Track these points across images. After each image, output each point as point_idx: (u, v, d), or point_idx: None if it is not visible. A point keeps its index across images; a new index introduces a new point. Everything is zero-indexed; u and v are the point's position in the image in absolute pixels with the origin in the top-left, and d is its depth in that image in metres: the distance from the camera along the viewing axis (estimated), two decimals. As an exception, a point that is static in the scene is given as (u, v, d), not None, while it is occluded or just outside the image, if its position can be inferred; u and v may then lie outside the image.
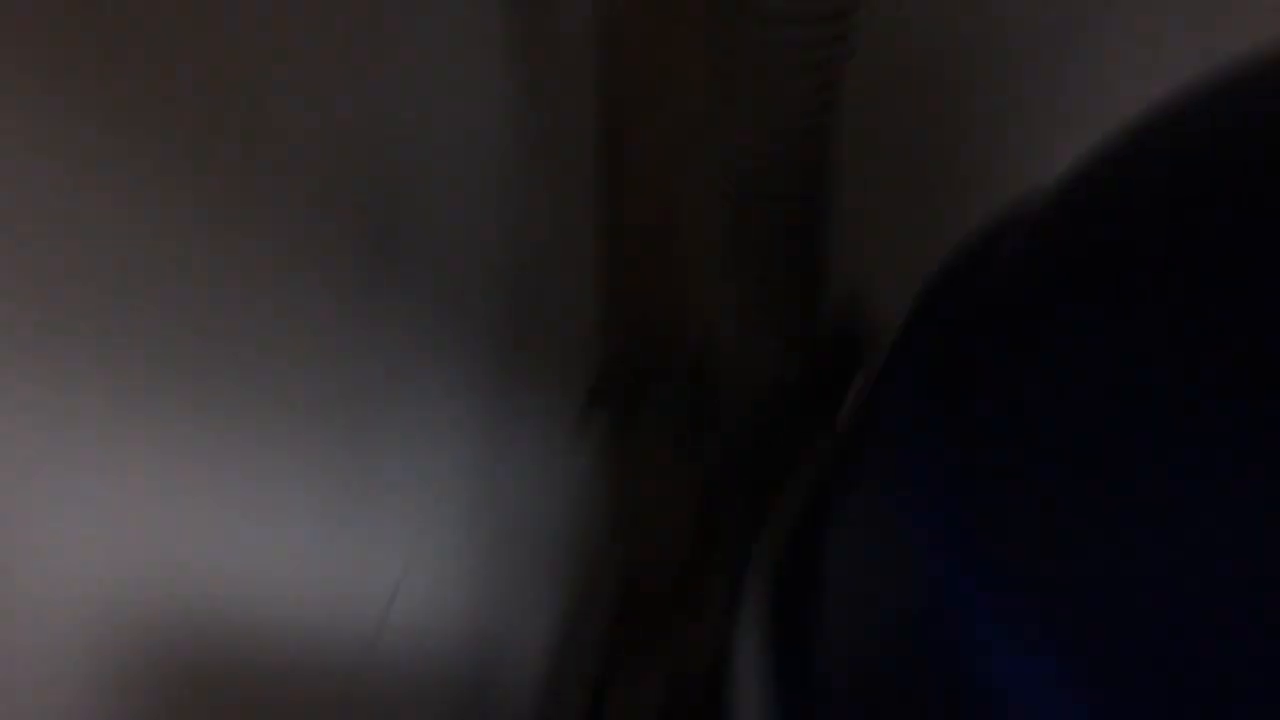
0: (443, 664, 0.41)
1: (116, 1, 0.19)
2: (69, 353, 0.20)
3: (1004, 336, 0.22)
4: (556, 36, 0.42)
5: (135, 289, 0.21)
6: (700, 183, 0.32)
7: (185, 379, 0.23)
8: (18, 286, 0.18)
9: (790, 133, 0.29)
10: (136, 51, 0.20)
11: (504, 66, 0.37)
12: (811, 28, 0.25)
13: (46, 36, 0.18)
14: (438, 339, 0.36)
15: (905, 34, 0.44)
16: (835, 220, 0.33)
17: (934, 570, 0.20)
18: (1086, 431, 0.19)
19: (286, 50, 0.25)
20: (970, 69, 0.46)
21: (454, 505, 0.41)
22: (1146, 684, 0.17)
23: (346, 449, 0.30)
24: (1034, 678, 0.18)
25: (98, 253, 0.20)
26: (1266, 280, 0.17)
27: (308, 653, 0.30)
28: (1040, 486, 0.19)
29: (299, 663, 0.30)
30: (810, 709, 0.27)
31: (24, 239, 0.18)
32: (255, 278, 0.25)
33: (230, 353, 0.24)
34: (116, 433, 0.21)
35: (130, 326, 0.21)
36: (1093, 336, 0.20)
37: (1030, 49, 0.44)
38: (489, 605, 0.46)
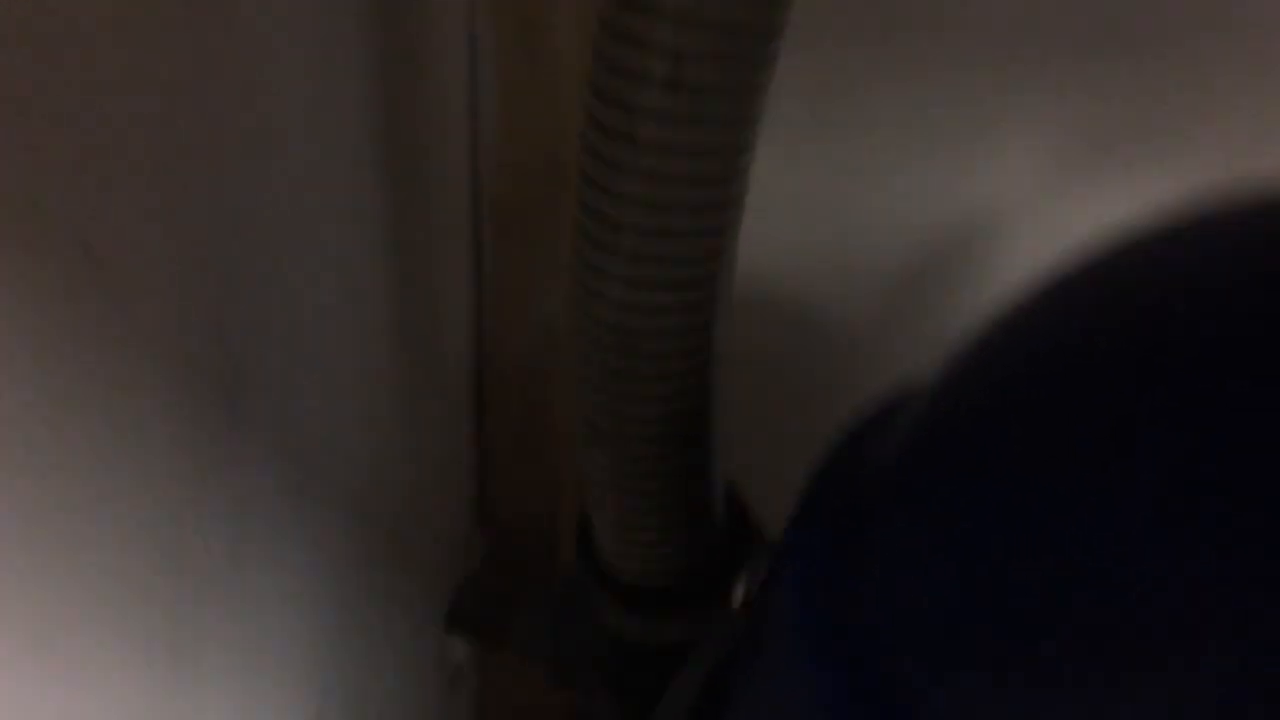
0: None
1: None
2: None
3: (898, 514, 0.23)
4: (432, 224, 0.43)
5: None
6: (572, 359, 0.31)
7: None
8: None
9: (672, 309, 0.29)
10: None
11: (375, 245, 0.37)
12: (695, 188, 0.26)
13: None
14: (283, 532, 0.33)
15: (778, 230, 0.46)
16: (719, 400, 0.33)
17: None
18: (986, 612, 0.19)
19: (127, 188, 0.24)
20: (843, 268, 0.48)
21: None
22: None
23: (165, 640, 0.28)
24: None
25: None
26: (1152, 459, 0.17)
27: None
28: (948, 669, 0.19)
29: None
30: None
31: None
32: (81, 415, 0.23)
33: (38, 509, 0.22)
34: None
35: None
36: (984, 510, 0.20)
37: (908, 246, 0.47)
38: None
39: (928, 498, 0.22)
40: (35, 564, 0.22)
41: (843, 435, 0.27)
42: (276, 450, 0.32)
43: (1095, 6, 0.42)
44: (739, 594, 0.39)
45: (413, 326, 0.42)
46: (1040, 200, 0.45)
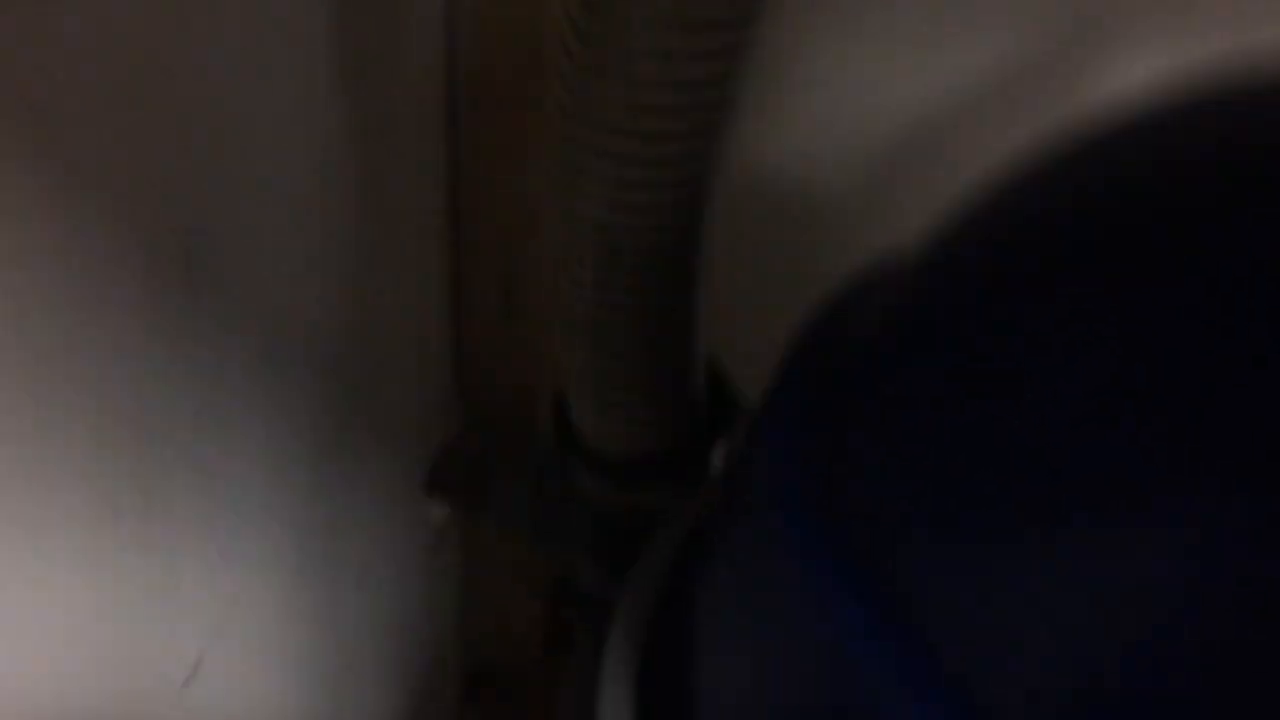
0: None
1: None
2: None
3: (877, 380, 0.23)
4: (401, 99, 0.42)
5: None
6: (552, 249, 0.31)
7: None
8: None
9: (661, 187, 0.28)
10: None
11: (343, 107, 0.36)
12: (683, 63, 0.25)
13: None
14: (251, 394, 0.33)
15: (763, 109, 0.45)
16: (701, 282, 0.33)
17: (824, 621, 0.19)
18: (966, 475, 0.19)
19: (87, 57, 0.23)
20: (829, 146, 0.47)
21: (270, 576, 0.38)
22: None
23: (133, 496, 0.28)
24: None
25: None
26: (1130, 338, 0.18)
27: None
28: (926, 531, 0.19)
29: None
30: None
31: None
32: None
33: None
34: None
35: None
36: (962, 376, 0.20)
37: (903, 116, 0.47)
38: (312, 686, 0.43)
39: (906, 364, 0.22)
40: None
41: (823, 305, 0.28)
42: (241, 314, 0.31)
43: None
44: (717, 461, 0.39)
45: (384, 191, 0.41)
46: (1025, 81, 0.44)
